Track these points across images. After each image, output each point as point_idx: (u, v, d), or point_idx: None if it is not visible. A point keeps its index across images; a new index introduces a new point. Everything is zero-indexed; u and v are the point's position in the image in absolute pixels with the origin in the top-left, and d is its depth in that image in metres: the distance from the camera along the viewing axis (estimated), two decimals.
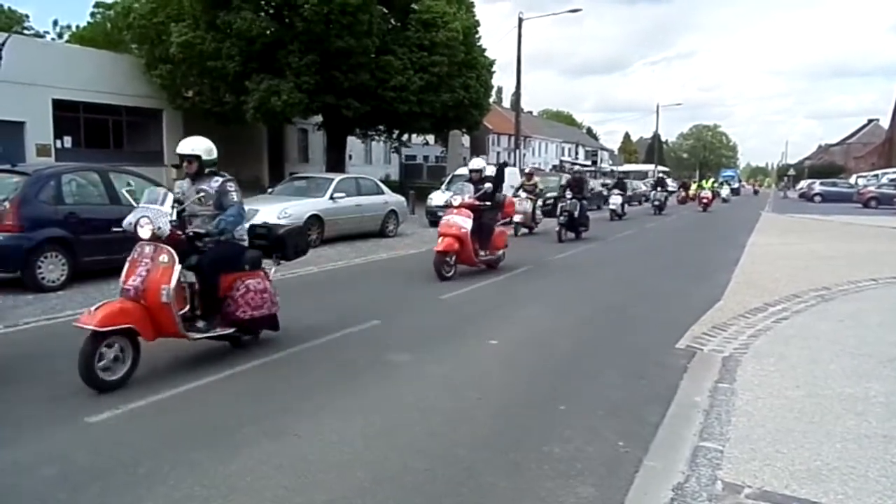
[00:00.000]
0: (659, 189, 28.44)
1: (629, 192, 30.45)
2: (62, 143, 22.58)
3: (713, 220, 25.90)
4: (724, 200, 39.51)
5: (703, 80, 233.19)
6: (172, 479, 3.40)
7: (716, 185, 40.64)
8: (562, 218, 15.73)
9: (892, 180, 39.14)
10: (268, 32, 21.98)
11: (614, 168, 68.74)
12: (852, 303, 8.16)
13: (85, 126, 24.08)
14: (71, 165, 10.08)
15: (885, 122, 69.87)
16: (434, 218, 19.25)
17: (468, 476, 3.52)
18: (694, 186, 38.23)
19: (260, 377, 5.17)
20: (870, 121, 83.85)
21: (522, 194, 17.43)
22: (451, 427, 4.22)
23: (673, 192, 37.76)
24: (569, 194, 16.14)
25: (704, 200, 30.53)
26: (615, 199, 23.95)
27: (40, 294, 8.04)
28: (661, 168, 65.01)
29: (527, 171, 19.45)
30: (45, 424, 4.13)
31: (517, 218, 15.89)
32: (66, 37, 40.19)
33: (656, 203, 27.65)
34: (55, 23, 43.30)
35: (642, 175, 58.92)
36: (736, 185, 56.90)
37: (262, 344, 5.98)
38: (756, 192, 65.03)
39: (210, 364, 5.33)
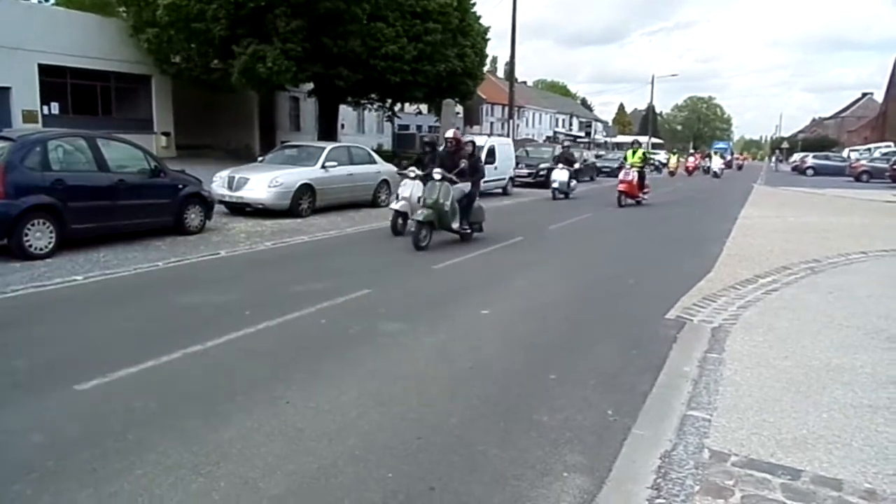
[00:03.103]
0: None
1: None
2: (49, 110, 22.23)
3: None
4: (716, 175, 36.93)
5: (701, 51, 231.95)
6: (162, 447, 3.40)
7: (653, 156, 34.84)
8: None
9: (884, 154, 39.19)
10: None
11: (608, 139, 68.16)
12: (842, 275, 8.21)
13: (72, 92, 23.68)
14: (57, 131, 9.89)
15: (879, 96, 69.77)
16: None
17: (460, 444, 3.54)
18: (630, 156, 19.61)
19: (251, 345, 5.15)
20: (864, 94, 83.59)
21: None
22: (443, 396, 4.23)
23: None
24: None
25: (622, 187, 17.93)
26: (407, 190, 11.37)
27: (27, 262, 7.96)
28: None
29: None
30: (33, 392, 4.10)
31: None
32: (51, 0, 39.23)
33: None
34: None
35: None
36: (729, 158, 52.76)
37: (253, 310, 5.96)
38: (740, 168, 54.33)
39: (199, 332, 5.31)
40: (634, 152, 18.87)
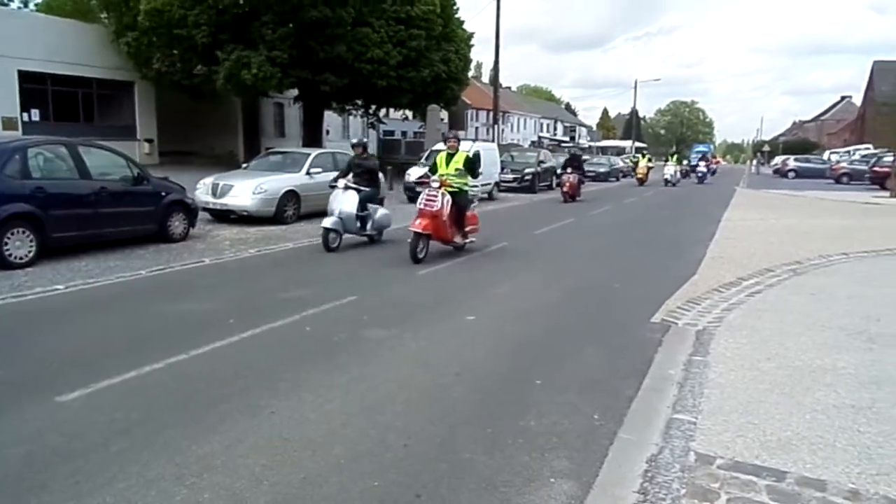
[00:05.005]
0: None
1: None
2: (30, 116, 22.00)
3: None
4: (668, 182, 31.26)
5: (684, 56, 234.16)
6: (145, 459, 3.35)
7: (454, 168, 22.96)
8: None
9: (863, 156, 39.67)
10: (240, 1, 21.45)
11: (592, 144, 68.44)
12: (823, 277, 8.30)
13: (53, 99, 23.43)
14: (37, 138, 9.79)
15: (857, 99, 70.78)
16: (412, 193, 19.16)
17: (445, 451, 3.52)
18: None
19: (234, 354, 5.11)
20: (843, 97, 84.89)
21: None
22: (428, 403, 4.22)
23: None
24: None
25: (419, 225, 9.18)
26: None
27: (7, 271, 7.84)
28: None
29: None
30: (13, 403, 4.04)
31: None
32: (31, 5, 38.87)
33: None
34: None
35: (619, 151, 58.94)
36: (705, 163, 38.36)
37: (237, 319, 5.91)
38: (714, 172, 42.68)
39: (183, 341, 5.26)
40: (450, 157, 10.01)
